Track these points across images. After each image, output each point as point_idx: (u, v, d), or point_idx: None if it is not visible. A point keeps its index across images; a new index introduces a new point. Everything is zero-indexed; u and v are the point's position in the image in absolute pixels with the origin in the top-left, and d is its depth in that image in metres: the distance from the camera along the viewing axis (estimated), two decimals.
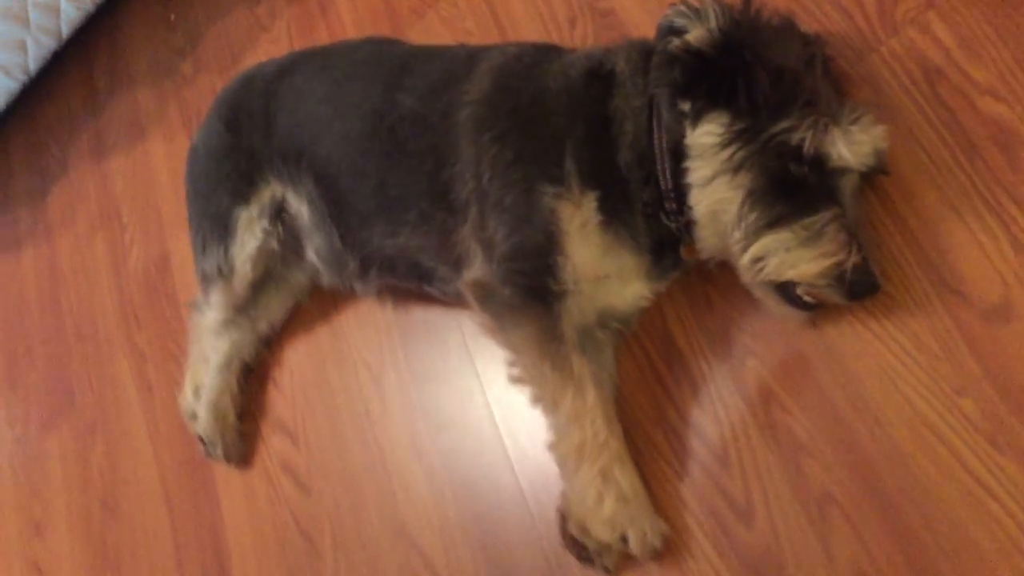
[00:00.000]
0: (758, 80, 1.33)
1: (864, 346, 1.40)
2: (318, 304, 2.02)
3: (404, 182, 1.63)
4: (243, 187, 1.87)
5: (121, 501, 2.17)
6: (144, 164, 2.53)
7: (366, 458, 1.84)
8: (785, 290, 1.39)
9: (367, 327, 1.94)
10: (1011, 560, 1.23)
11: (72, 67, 2.88)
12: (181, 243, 2.33)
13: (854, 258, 1.31)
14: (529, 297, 1.48)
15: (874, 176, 1.41)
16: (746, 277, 1.42)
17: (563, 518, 1.51)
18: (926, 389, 1.33)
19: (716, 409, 1.50)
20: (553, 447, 1.49)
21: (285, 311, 2.02)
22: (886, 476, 1.33)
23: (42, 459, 2.36)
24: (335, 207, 1.77)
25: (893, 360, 1.37)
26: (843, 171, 1.34)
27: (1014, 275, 1.31)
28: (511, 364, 1.54)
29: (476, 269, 1.55)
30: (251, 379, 2.04)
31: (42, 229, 2.70)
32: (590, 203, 1.45)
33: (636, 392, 1.57)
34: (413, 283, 1.74)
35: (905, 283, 1.39)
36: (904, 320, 1.38)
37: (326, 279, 1.91)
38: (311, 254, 1.89)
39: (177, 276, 2.32)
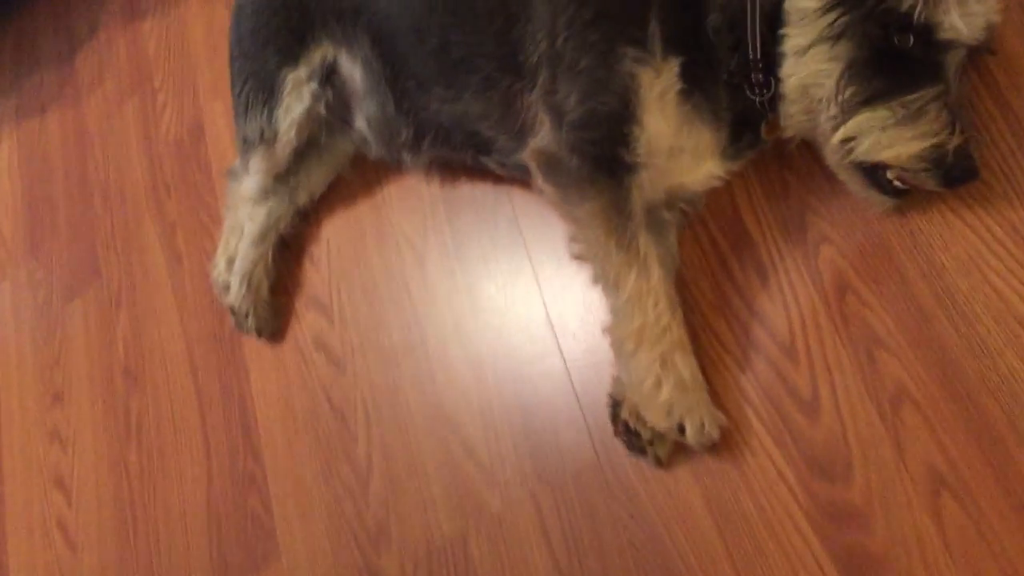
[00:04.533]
0: None
1: (954, 236, 1.33)
2: (360, 177, 1.94)
3: (469, 42, 1.54)
4: (293, 47, 1.77)
5: (146, 371, 2.11)
6: (179, 27, 2.42)
7: (405, 338, 1.78)
8: (874, 174, 1.32)
9: (411, 202, 1.86)
10: None
11: None
12: (217, 112, 2.24)
13: (956, 140, 1.23)
14: (599, 168, 1.40)
15: (978, 55, 1.31)
16: (833, 159, 1.34)
17: (615, 404, 1.46)
18: (1021, 284, 1.25)
19: (785, 298, 1.43)
20: (610, 330, 1.43)
21: (326, 182, 1.94)
22: (969, 373, 1.26)
23: (64, 327, 2.30)
24: (392, 70, 1.68)
25: (986, 252, 1.30)
26: (950, 45, 1.25)
27: None
28: (573, 240, 1.46)
29: (543, 137, 1.46)
30: (286, 253, 1.97)
31: (69, 93, 2.60)
32: (672, 70, 1.37)
33: (699, 277, 1.50)
34: (468, 154, 1.66)
35: (1005, 170, 1.32)
36: (1001, 210, 1.30)
37: (374, 150, 1.82)
38: (360, 122, 1.80)
39: (211, 145, 2.23)
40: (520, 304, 1.67)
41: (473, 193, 1.79)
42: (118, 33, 2.57)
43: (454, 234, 1.79)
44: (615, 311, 1.42)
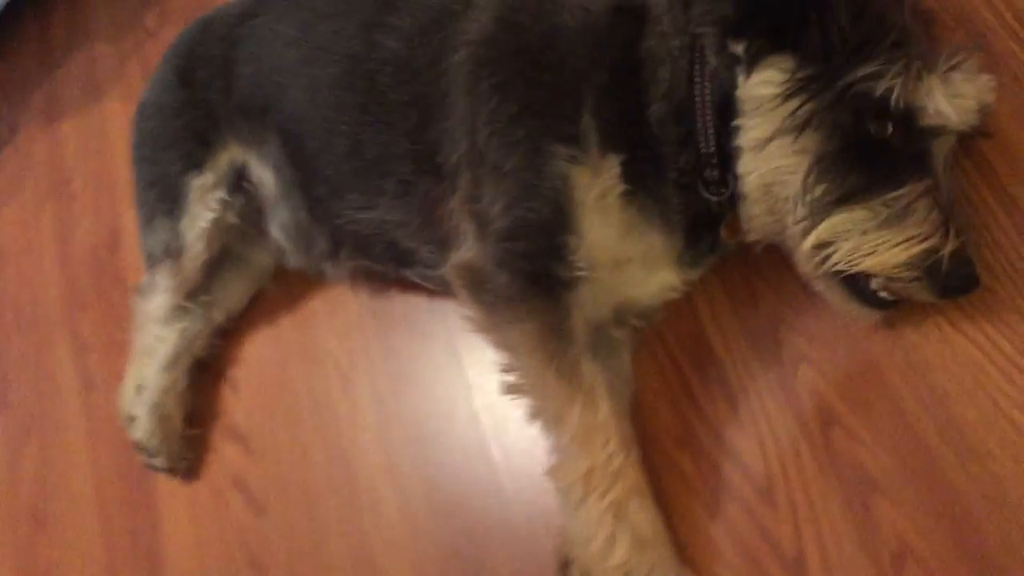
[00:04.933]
0: (834, 14, 1.04)
1: (956, 356, 1.12)
2: (283, 290, 1.72)
3: (383, 142, 1.35)
4: (197, 150, 1.58)
5: (53, 513, 1.86)
6: (99, 128, 2.23)
7: (330, 474, 1.55)
8: (856, 284, 1.12)
9: (338, 319, 1.65)
10: None
11: (27, 19, 2.57)
12: (135, 219, 2.03)
13: (951, 243, 1.03)
14: (531, 286, 1.19)
15: (972, 139, 1.11)
16: (806, 267, 1.14)
17: (564, 564, 1.22)
18: None
19: (759, 430, 1.21)
20: (554, 473, 1.20)
21: (244, 297, 1.72)
22: (985, 525, 1.04)
23: None
24: (304, 174, 1.48)
25: (995, 374, 1.09)
26: (937, 131, 1.07)
27: None
28: (505, 369, 1.24)
29: (467, 250, 1.26)
30: (204, 376, 1.74)
31: None
32: (612, 169, 1.17)
33: (658, 405, 1.29)
34: (391, 267, 1.46)
35: (1011, 274, 1.14)
36: (1010, 323, 1.11)
37: (292, 260, 1.62)
38: (276, 231, 1.60)
39: (129, 255, 2.01)
40: (458, 437, 1.45)
41: (406, 308, 1.58)
42: (38, 134, 2.37)
43: (385, 355, 1.58)
44: (559, 451, 1.20)
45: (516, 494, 1.35)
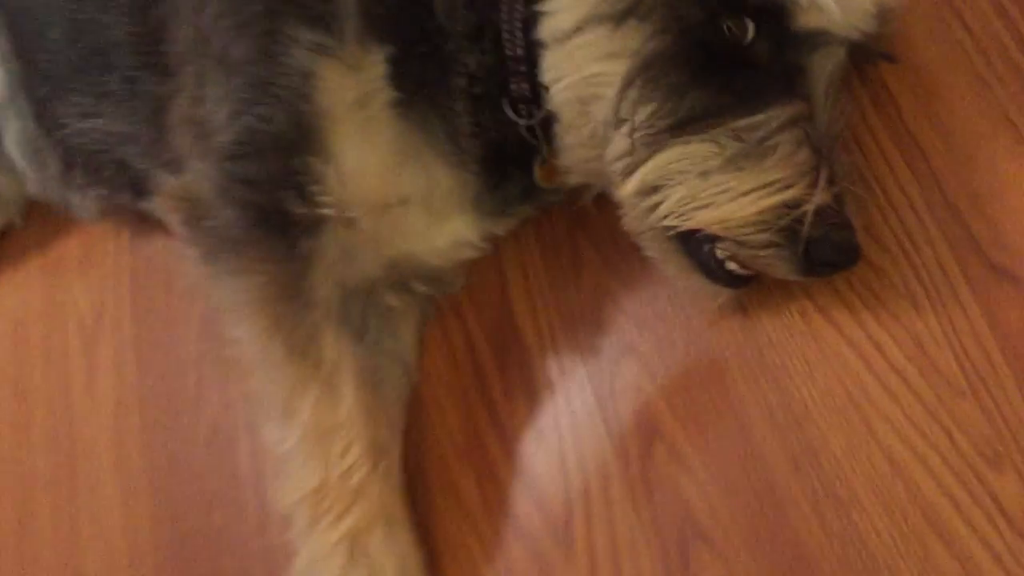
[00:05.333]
0: None
1: (825, 359, 0.83)
2: (35, 228, 1.39)
3: (103, 24, 1.02)
4: None
5: None
6: None
7: (50, 460, 1.23)
8: (697, 249, 0.80)
9: (91, 267, 1.34)
10: None
11: None
12: None
13: (821, 196, 0.71)
14: (260, 225, 0.87)
15: (868, 61, 0.81)
16: (632, 221, 0.84)
17: None
18: (927, 443, 0.75)
19: (563, 445, 0.91)
20: (279, 488, 0.87)
21: None
22: None
23: None
24: (28, 68, 1.14)
25: (874, 388, 0.80)
26: (817, 39, 0.76)
27: None
28: (232, 337, 0.92)
29: (186, 172, 0.92)
30: None
31: None
32: (376, 66, 0.85)
33: (443, 403, 0.97)
34: (126, 196, 1.13)
35: (906, 249, 0.84)
36: (898, 314, 0.81)
37: (32, 185, 1.28)
38: (10, 145, 1.26)
39: None
40: (204, 428, 1.14)
41: (167, 260, 1.25)
42: None
43: (136, 316, 1.26)
44: (286, 457, 0.87)
45: (258, 511, 1.04)
